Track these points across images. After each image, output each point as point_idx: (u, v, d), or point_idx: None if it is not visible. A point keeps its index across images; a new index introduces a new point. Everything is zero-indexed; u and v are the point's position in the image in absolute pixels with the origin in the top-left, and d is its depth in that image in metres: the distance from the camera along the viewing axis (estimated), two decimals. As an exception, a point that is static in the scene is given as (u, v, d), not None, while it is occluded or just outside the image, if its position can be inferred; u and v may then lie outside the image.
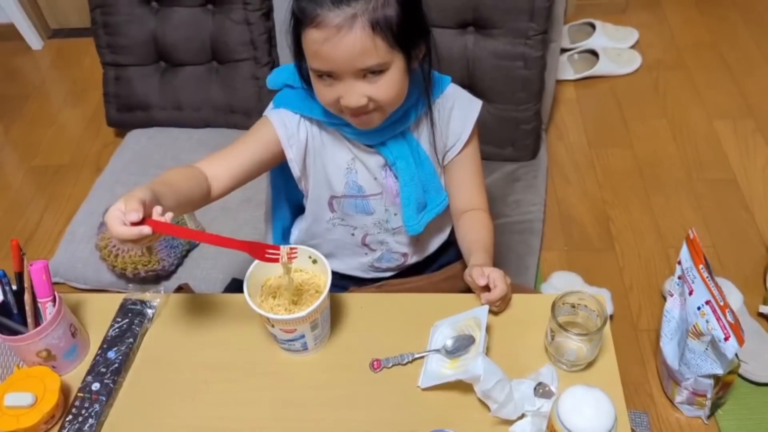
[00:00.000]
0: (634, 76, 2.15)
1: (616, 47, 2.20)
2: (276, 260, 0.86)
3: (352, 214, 1.08)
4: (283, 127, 1.00)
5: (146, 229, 0.75)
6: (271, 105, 1.03)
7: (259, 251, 0.85)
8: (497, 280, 0.93)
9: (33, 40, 2.59)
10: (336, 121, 0.98)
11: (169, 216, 0.78)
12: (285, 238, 1.23)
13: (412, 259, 1.16)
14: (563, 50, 2.21)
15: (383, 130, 0.98)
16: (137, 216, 0.74)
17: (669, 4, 2.41)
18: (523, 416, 0.84)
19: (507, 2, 1.50)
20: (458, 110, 1.04)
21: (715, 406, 1.33)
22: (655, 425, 1.34)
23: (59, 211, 1.93)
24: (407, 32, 0.88)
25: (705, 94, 2.07)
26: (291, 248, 0.88)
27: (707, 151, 1.90)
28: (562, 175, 1.87)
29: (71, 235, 1.64)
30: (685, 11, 2.38)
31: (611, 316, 1.51)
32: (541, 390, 0.86)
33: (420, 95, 1.00)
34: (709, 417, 1.33)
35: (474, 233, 1.08)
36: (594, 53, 2.18)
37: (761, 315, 1.49)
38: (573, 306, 0.90)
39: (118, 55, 1.85)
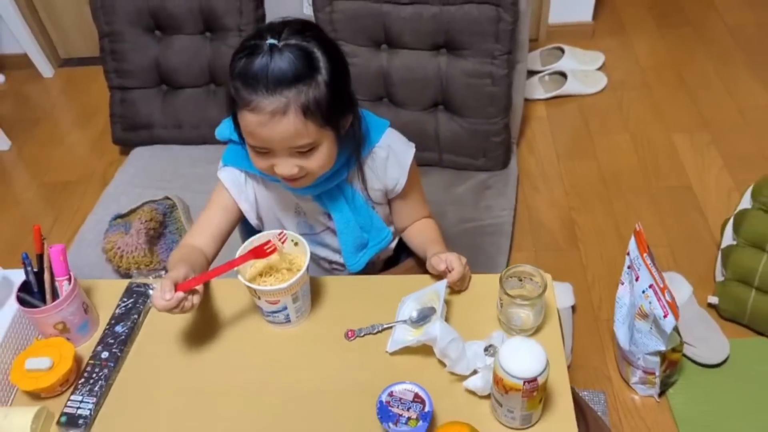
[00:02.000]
0: (600, 95, 2.33)
1: (583, 69, 2.38)
2: (275, 251, 1.03)
3: (311, 248, 1.22)
4: (233, 185, 1.14)
5: (180, 294, 0.94)
6: (221, 163, 1.15)
7: (260, 253, 1.02)
8: (453, 262, 1.05)
9: (45, 68, 2.75)
10: (273, 178, 1.08)
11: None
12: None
13: None
14: (535, 72, 2.38)
15: (316, 186, 1.08)
16: (170, 294, 0.93)
17: (633, 30, 2.60)
18: (474, 372, 0.96)
19: (475, 26, 1.66)
20: (393, 158, 1.13)
21: (665, 384, 1.46)
22: (612, 404, 1.47)
23: (68, 223, 2.07)
24: (335, 111, 0.98)
25: (665, 110, 2.24)
26: (279, 234, 1.04)
27: (666, 161, 2.06)
28: (532, 184, 2.03)
29: (80, 241, 1.77)
30: (648, 36, 2.56)
31: (573, 307, 1.65)
32: (491, 351, 0.98)
33: (351, 153, 1.09)
34: (660, 395, 1.46)
35: (424, 234, 1.21)
36: (563, 74, 2.35)
37: (710, 305, 1.63)
38: (520, 279, 1.03)
39: (124, 79, 2.01)
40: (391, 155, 1.13)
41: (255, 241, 1.04)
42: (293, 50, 0.93)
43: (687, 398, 1.46)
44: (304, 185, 1.06)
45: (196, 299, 0.97)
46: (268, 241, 1.03)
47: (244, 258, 1.01)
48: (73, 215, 2.09)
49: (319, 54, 0.95)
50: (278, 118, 0.93)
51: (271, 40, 0.93)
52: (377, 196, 1.17)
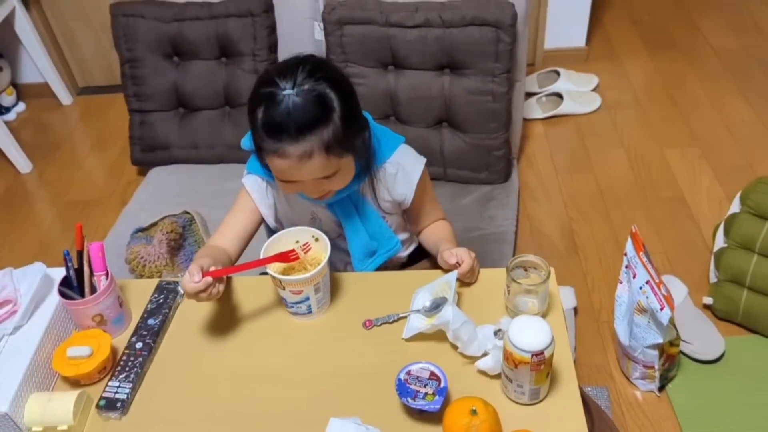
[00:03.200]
0: (595, 114, 2.44)
1: (578, 90, 2.50)
2: (298, 258, 1.12)
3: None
4: (255, 191, 1.23)
5: (209, 279, 1.02)
6: (245, 170, 1.24)
7: (285, 258, 1.10)
8: (463, 255, 1.13)
9: (64, 96, 2.86)
10: None
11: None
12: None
13: None
14: (533, 94, 2.50)
15: None
16: (198, 276, 1.02)
17: (625, 54, 2.73)
18: (485, 354, 1.02)
19: (476, 47, 1.77)
20: (402, 175, 1.21)
21: (665, 379, 1.52)
22: (615, 399, 1.53)
23: (89, 239, 2.11)
24: (351, 137, 1.07)
25: (657, 127, 2.35)
26: (303, 245, 1.13)
27: (659, 174, 2.16)
28: (533, 197, 2.12)
29: (102, 254, 1.85)
30: (639, 59, 2.70)
31: (576, 309, 1.72)
32: (500, 334, 1.05)
33: (363, 167, 1.17)
34: (660, 390, 1.53)
35: (437, 233, 1.30)
36: (559, 95, 2.47)
37: (705, 306, 1.70)
38: (525, 269, 1.12)
39: (143, 103, 2.11)
40: (400, 172, 1.21)
41: (283, 236, 1.12)
42: (308, 95, 1.01)
43: (686, 392, 1.52)
44: (325, 200, 1.16)
45: (221, 287, 1.06)
46: (293, 250, 1.12)
47: (269, 260, 1.09)
48: (94, 232, 2.17)
49: (332, 94, 1.03)
50: (305, 161, 1.03)
51: (287, 91, 1.01)
52: (387, 207, 1.25)
